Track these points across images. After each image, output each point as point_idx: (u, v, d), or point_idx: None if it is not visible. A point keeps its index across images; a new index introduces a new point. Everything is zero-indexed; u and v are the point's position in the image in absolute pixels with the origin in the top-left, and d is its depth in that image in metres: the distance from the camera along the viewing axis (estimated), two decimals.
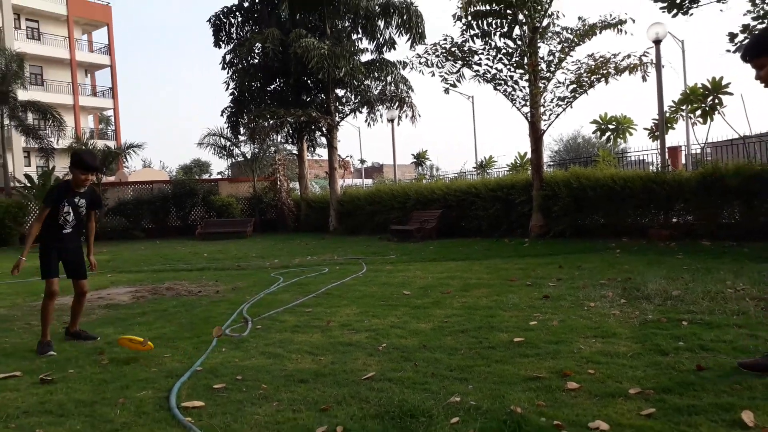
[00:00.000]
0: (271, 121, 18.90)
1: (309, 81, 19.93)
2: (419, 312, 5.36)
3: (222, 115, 21.36)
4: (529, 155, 13.89)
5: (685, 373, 3.22)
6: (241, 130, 21.47)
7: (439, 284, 6.95)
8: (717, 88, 18.42)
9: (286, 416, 2.94)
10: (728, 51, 11.04)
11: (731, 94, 17.80)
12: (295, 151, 22.34)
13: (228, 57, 20.72)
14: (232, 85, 20.75)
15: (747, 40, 2.96)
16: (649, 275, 6.42)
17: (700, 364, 3.32)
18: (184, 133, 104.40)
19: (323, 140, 21.00)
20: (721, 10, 12.37)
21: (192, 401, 3.19)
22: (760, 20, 10.49)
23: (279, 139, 22.22)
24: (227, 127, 21.66)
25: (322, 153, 24.12)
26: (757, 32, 3.03)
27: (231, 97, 20.93)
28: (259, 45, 19.14)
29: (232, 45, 21.00)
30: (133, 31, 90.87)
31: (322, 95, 20.24)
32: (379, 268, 8.99)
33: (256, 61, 20.15)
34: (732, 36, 10.82)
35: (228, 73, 20.80)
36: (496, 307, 5.38)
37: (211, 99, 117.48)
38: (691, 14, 10.90)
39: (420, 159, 50.30)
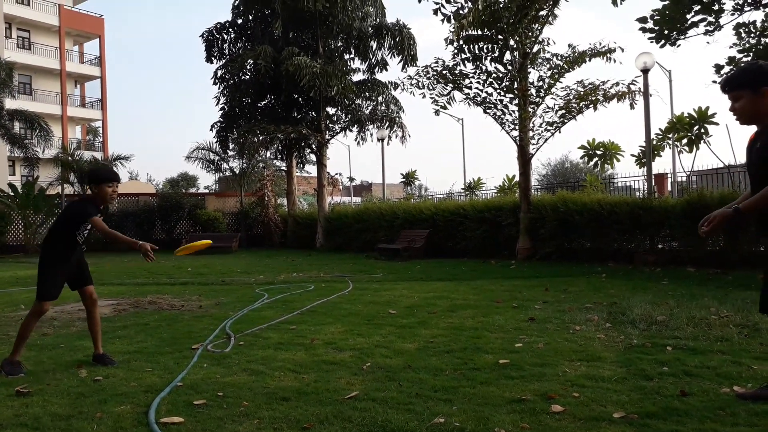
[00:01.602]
0: (261, 137, 18.95)
1: (300, 98, 20.03)
2: (405, 331, 5.33)
3: (211, 129, 21.39)
4: (517, 178, 14.01)
5: (669, 398, 3.21)
6: (230, 145, 21.48)
7: (425, 304, 6.92)
8: (703, 117, 18.74)
9: None
10: (714, 82, 11.24)
11: (717, 124, 18.09)
12: (284, 167, 22.35)
13: (220, 72, 20.80)
14: (222, 100, 20.81)
15: (730, 73, 3.00)
16: (635, 300, 6.44)
17: (684, 389, 3.32)
18: (172, 147, 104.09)
19: (313, 157, 21.07)
20: (707, 42, 12.66)
21: (171, 417, 3.12)
22: (746, 53, 10.71)
23: (268, 155, 22.25)
24: (216, 142, 21.66)
25: (311, 170, 24.25)
26: (743, 64, 3.09)
27: (221, 112, 20.97)
28: (252, 61, 19.23)
29: (224, 60, 21.08)
30: (125, 43, 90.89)
31: (313, 113, 20.33)
32: (365, 286, 8.94)
33: (248, 77, 20.23)
34: (718, 67, 11.03)
35: (219, 88, 20.90)
36: (482, 328, 5.35)
37: (201, 113, 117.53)
38: (679, 45, 11.11)
39: (409, 179, 50.48)
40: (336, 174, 23.88)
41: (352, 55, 20.30)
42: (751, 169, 3.02)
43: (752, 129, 3.07)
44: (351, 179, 35.27)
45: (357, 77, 20.23)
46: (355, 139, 20.64)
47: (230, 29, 21.20)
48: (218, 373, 4.05)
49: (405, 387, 3.60)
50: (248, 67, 19.97)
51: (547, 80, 12.80)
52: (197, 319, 6.31)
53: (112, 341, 5.15)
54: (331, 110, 20.43)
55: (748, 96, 2.93)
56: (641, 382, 3.55)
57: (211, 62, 21.38)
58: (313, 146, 19.88)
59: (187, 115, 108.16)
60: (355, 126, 20.10)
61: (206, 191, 39.16)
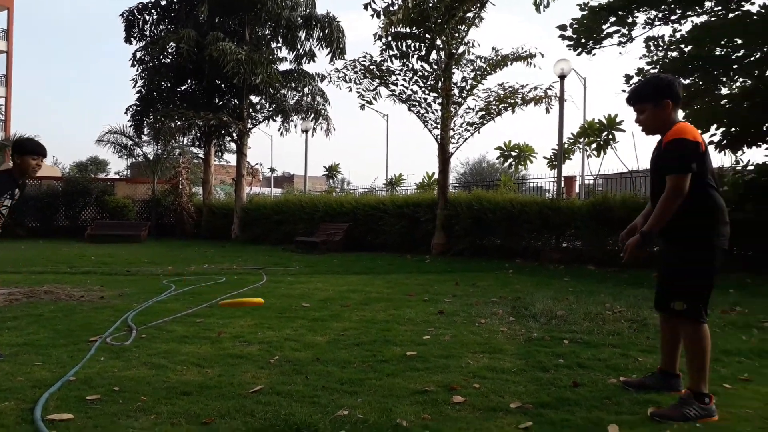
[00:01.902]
0: (179, 123, 18.25)
1: (223, 85, 19.47)
2: (316, 324, 5.31)
3: (126, 113, 20.38)
4: (436, 175, 14.28)
5: (562, 389, 3.38)
6: (146, 130, 20.54)
7: (339, 297, 6.92)
8: (611, 124, 19.85)
9: (164, 430, 2.79)
10: (623, 91, 11.89)
11: (623, 131, 19.22)
12: (201, 155, 21.65)
13: (139, 54, 19.84)
14: (140, 82, 19.89)
15: (635, 86, 3.23)
16: (538, 295, 6.74)
17: (576, 380, 3.51)
18: (83, 130, 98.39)
19: (233, 146, 20.53)
20: (620, 53, 13.37)
21: (60, 413, 2.95)
22: (653, 65, 11.40)
23: (185, 142, 21.47)
24: (130, 126, 20.63)
25: (231, 159, 23.62)
26: (645, 78, 3.37)
27: (138, 95, 20.01)
28: (174, 45, 18.47)
29: (144, 42, 20.11)
30: (36, 16, 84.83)
31: (236, 100, 19.82)
32: (280, 279, 8.83)
33: (169, 60, 19.42)
34: (628, 78, 11.68)
35: (137, 70, 19.93)
36: (392, 321, 5.42)
37: (115, 96, 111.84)
38: (594, 54, 11.66)
39: (332, 172, 50.35)
40: (256, 164, 23.41)
41: (279, 44, 19.94)
42: (650, 171, 3.28)
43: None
44: (272, 170, 34.76)
45: (284, 66, 19.92)
46: (279, 130, 20.35)
47: (153, 10, 20.22)
48: (116, 366, 3.87)
49: (312, 380, 3.59)
50: (170, 51, 19.17)
51: (470, 81, 13.11)
52: (97, 310, 6.00)
53: None
54: (254, 99, 20.00)
55: (650, 108, 3.12)
56: (538, 373, 3.71)
57: (131, 43, 20.34)
58: (234, 134, 19.38)
59: (101, 98, 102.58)
60: (280, 116, 19.78)
61: (117, 177, 37.32)
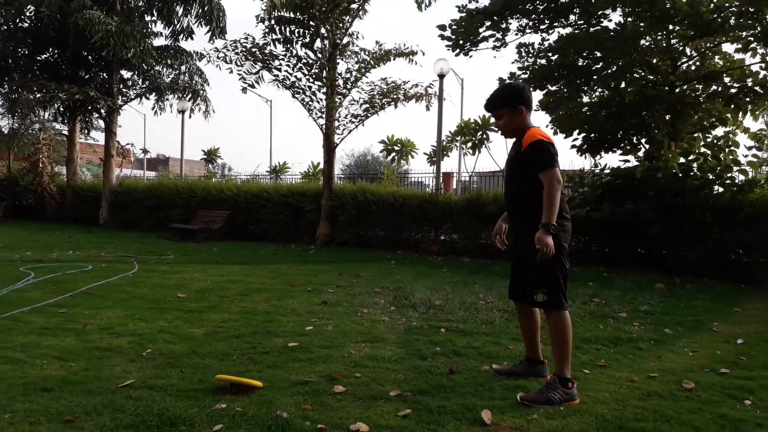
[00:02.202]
0: (39, 95, 16.63)
1: (90, 57, 17.97)
2: (193, 316, 5.11)
3: None
4: (321, 165, 14.22)
5: (439, 377, 3.52)
6: None
7: (218, 288, 6.70)
8: (486, 124, 20.86)
9: (21, 429, 2.58)
10: None
11: (496, 131, 20.21)
12: (65, 132, 19.91)
13: None
14: None
15: (491, 93, 3.54)
16: (417, 286, 6.96)
17: (452, 368, 3.67)
18: None
19: (101, 123, 19.04)
20: (495, 57, 14.10)
21: None
22: (524, 71, 12.12)
23: (46, 116, 19.62)
24: None
25: (99, 137, 21.85)
26: (500, 86, 3.67)
27: None
28: (33, 8, 16.74)
29: None
30: None
31: (105, 74, 18.41)
32: (153, 268, 8.38)
33: (27, 25, 17.59)
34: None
35: None
36: (275, 312, 5.35)
37: None
38: (471, 56, 12.19)
39: (211, 156, 48.43)
40: (127, 144, 21.92)
41: (154, 18, 18.74)
42: (506, 171, 3.60)
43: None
44: (145, 151, 32.77)
45: (158, 42, 18.77)
46: (153, 109, 19.16)
47: None
48: None
49: (188, 373, 3.46)
50: (28, 14, 17.36)
51: (354, 73, 13.17)
52: None
53: None
54: (126, 74, 18.65)
55: (507, 113, 3.39)
56: (417, 361, 3.84)
57: None
58: (103, 111, 17.99)
59: None
60: (154, 94, 18.62)
61: None
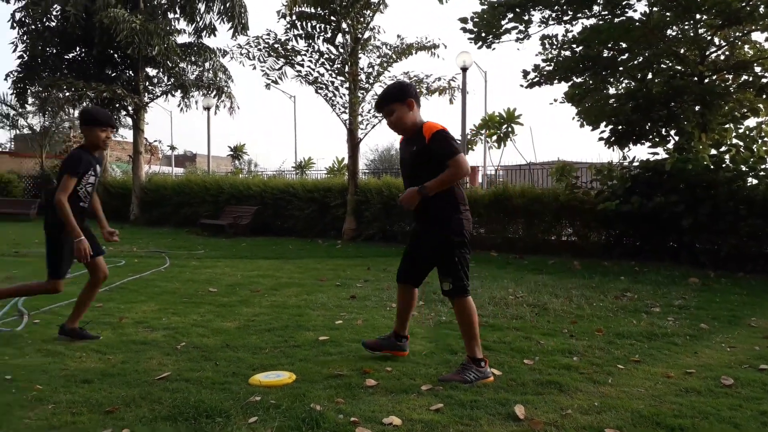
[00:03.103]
0: (68, 93, 16.95)
1: (116, 55, 18.24)
2: (224, 310, 5.18)
3: (6, 79, 18.67)
4: (346, 161, 14.26)
5: None
6: (30, 99, 18.92)
7: (248, 282, 6.78)
8: (511, 118, 20.67)
9: (64, 419, 2.64)
10: (521, 86, 12.43)
11: (522, 124, 20.06)
12: None
13: (18, 15, 18.12)
14: (21, 47, 18.20)
15: (380, 93, 3.65)
16: None
17: None
18: None
19: (129, 121, 19.33)
20: (518, 49, 13.93)
21: None
22: (548, 63, 11.98)
23: (76, 114, 19.99)
24: (12, 94, 18.91)
25: (127, 135, 22.21)
26: (387, 86, 3.75)
27: (19, 60, 18.33)
28: (59, 7, 17.04)
29: (24, 2, 18.39)
30: None
31: (131, 72, 18.67)
32: (184, 263, 8.51)
33: (54, 24, 17.91)
34: (525, 73, 12.21)
35: (18, 33, 18.21)
36: (304, 306, 5.40)
37: None
38: (494, 48, 12.08)
39: (237, 152, 48.82)
40: (155, 141, 22.28)
41: (177, 15, 18.93)
42: (405, 168, 3.67)
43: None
44: (172, 148, 33.12)
45: (182, 39, 18.96)
46: (179, 106, 19.40)
47: None
48: (7, 354, 3.61)
49: (222, 366, 3.51)
50: (55, 13, 17.68)
51: (376, 68, 13.15)
52: None
53: None
54: (151, 71, 18.89)
55: (399, 108, 3.48)
56: (447, 356, 3.84)
57: (8, 2, 18.55)
58: (130, 109, 18.27)
59: None
60: (179, 91, 18.84)
61: None
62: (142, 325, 4.51)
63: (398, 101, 3.45)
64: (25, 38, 18.03)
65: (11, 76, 18.47)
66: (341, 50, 13.01)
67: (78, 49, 18.58)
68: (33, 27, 17.92)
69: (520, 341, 4.23)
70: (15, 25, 18.15)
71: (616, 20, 10.68)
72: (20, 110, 19.87)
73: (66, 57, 18.63)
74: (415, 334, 4.37)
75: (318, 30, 12.89)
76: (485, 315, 5.06)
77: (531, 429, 2.66)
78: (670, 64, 11.32)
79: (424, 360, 3.74)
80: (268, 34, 13.05)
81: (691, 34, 10.74)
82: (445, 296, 3.60)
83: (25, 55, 18.17)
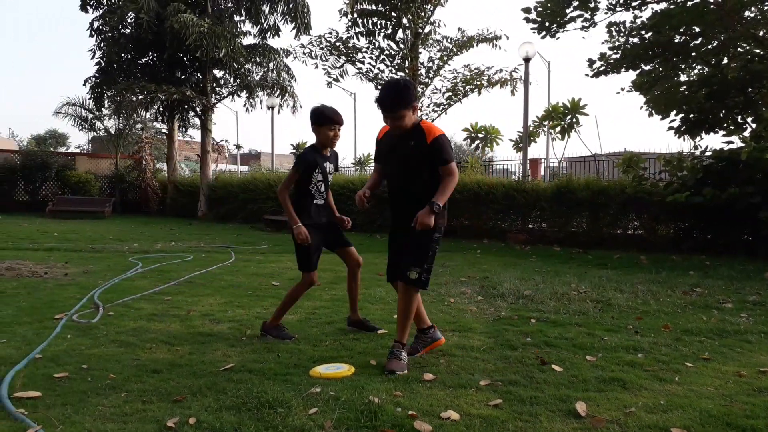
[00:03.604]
0: (141, 96, 17.77)
1: (185, 58, 18.97)
2: None
3: (85, 84, 19.69)
4: None
5: (530, 367, 3.46)
6: (106, 103, 19.94)
7: None
8: (575, 108, 20.11)
9: (135, 407, 2.77)
10: (587, 75, 12.07)
11: (587, 114, 19.45)
12: (164, 130, 21.16)
13: (96, 24, 19.12)
14: (98, 53, 19.22)
15: (390, 96, 3.45)
16: (505, 275, 6.86)
17: (544, 358, 3.60)
18: (41, 101, 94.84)
19: (197, 121, 20.09)
20: (583, 37, 13.57)
21: (27, 391, 2.91)
22: (615, 51, 11.58)
23: (148, 116, 20.95)
24: (90, 98, 19.99)
25: (195, 134, 23.12)
26: (393, 86, 3.54)
27: (97, 66, 19.36)
28: (133, 14, 17.87)
29: (102, 11, 19.39)
30: None
31: (199, 74, 19.36)
32: (249, 257, 8.77)
33: (128, 31, 18.80)
34: (591, 62, 11.86)
35: (96, 40, 19.23)
36: (363, 300, 5.46)
37: (74, 66, 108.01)
38: (558, 38, 11.81)
39: (299, 150, 49.77)
40: (222, 140, 23.05)
41: (242, 18, 19.49)
42: (397, 159, 3.62)
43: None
44: (238, 147, 34.13)
45: (247, 41, 19.50)
46: (244, 106, 19.99)
47: None
48: (83, 344, 3.82)
49: (283, 358, 3.61)
50: (129, 21, 18.55)
51: (436, 62, 13.10)
52: (62, 287, 5.88)
53: None
54: (218, 73, 19.56)
55: (407, 114, 3.44)
56: (506, 351, 3.80)
57: (87, 11, 19.61)
58: (198, 110, 18.96)
59: (61, 68, 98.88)
60: (244, 91, 19.41)
61: (78, 151, 36.22)
62: (208, 318, 4.69)
63: (409, 108, 3.44)
64: (102, 45, 19.02)
65: (89, 81, 19.54)
66: (401, 46, 13.04)
67: (150, 53, 19.43)
68: (110, 34, 18.88)
69: (582, 337, 4.12)
70: (93, 33, 19.18)
71: (689, 3, 10.20)
72: (97, 113, 20.96)
73: (139, 62, 19.52)
74: (473, 330, 4.35)
75: (379, 27, 12.98)
76: (546, 311, 4.97)
77: (593, 426, 2.60)
78: (747, 48, 10.71)
79: (483, 355, 3.71)
80: (330, 33, 13.24)
81: None
82: (403, 282, 3.53)
83: (102, 62, 19.18)
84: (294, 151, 42.25)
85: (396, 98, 3.43)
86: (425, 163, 3.49)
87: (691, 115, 10.94)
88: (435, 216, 3.38)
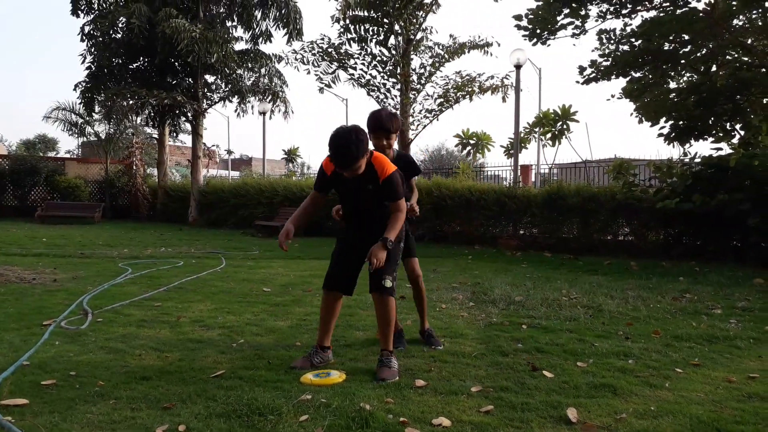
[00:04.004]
0: (131, 101, 17.69)
1: (176, 63, 18.92)
2: (278, 309, 5.29)
3: (75, 89, 19.57)
4: None
5: (521, 373, 3.46)
6: (97, 108, 19.83)
7: (301, 282, 6.90)
8: (566, 114, 20.23)
9: (124, 415, 2.74)
10: (577, 82, 12.15)
11: (577, 121, 19.59)
12: (155, 135, 21.08)
13: (87, 28, 19.03)
14: (89, 58, 19.13)
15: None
16: (496, 281, 6.87)
17: (535, 364, 3.60)
18: (30, 106, 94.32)
19: (188, 126, 20.02)
20: (574, 45, 13.64)
21: (14, 399, 2.87)
22: (605, 58, 11.66)
23: (139, 121, 20.85)
24: (80, 103, 19.87)
25: (186, 140, 22.98)
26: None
27: (87, 71, 19.26)
28: (124, 19, 17.82)
29: (92, 15, 19.31)
30: None
31: (190, 79, 19.31)
32: (239, 263, 8.74)
33: (119, 36, 18.73)
34: (581, 69, 11.93)
35: (86, 45, 19.14)
36: (355, 306, 5.44)
37: (64, 71, 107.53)
38: (549, 45, 11.90)
39: (291, 155, 49.77)
40: (213, 146, 22.99)
41: (234, 23, 19.49)
42: (357, 195, 3.65)
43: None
44: (229, 152, 34.08)
45: (239, 46, 19.49)
46: (235, 111, 19.96)
47: None
48: (72, 351, 3.78)
49: (274, 365, 3.59)
50: (120, 26, 18.48)
51: (428, 68, 13.15)
52: (50, 293, 5.83)
53: None
54: (210, 78, 19.52)
55: (363, 161, 3.44)
56: (498, 357, 3.80)
57: (78, 16, 19.53)
58: (189, 115, 18.90)
59: (50, 72, 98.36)
60: (236, 97, 19.38)
61: (67, 156, 35.99)
62: (198, 324, 4.66)
63: (363, 158, 3.43)
64: (93, 50, 18.93)
65: (80, 86, 19.43)
66: (393, 52, 13.08)
67: (141, 58, 19.36)
68: (100, 39, 18.79)
69: (573, 343, 4.13)
70: (84, 37, 19.08)
71: (679, 12, 10.30)
72: (87, 118, 20.85)
73: (130, 67, 19.45)
74: (465, 336, 4.35)
75: (371, 33, 13.02)
76: (537, 317, 4.98)
77: None
78: (736, 56, 10.82)
79: (474, 361, 3.70)
80: (322, 39, 13.26)
81: (760, 23, 10.24)
82: (378, 292, 3.54)
83: (93, 66, 19.08)
84: (285, 156, 42.18)
85: (349, 154, 3.36)
86: (378, 197, 3.61)
87: (681, 122, 11.03)
88: (386, 248, 3.45)
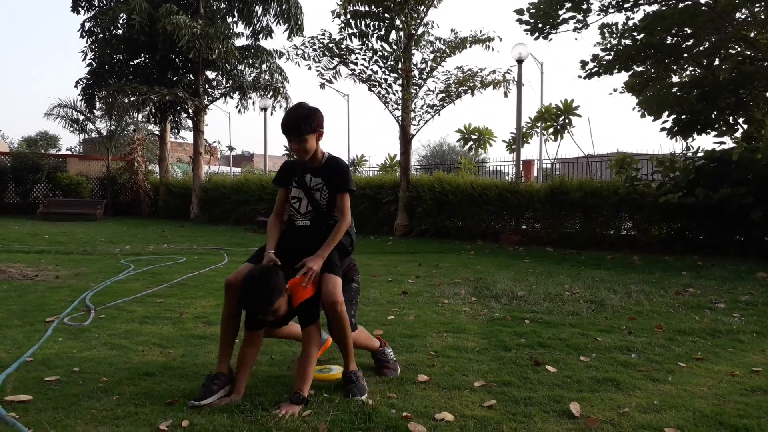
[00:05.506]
0: (132, 98, 17.70)
1: (177, 59, 18.90)
2: None
3: (76, 86, 19.59)
4: (398, 157, 14.29)
5: (524, 368, 3.46)
6: (98, 105, 19.85)
7: None
8: (568, 109, 20.17)
9: (127, 410, 2.75)
10: (579, 76, 12.12)
11: (580, 116, 19.52)
12: (156, 132, 21.08)
13: (87, 25, 19.02)
14: (90, 55, 19.13)
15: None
16: (499, 276, 6.87)
17: (538, 359, 3.60)
18: (31, 103, 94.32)
19: (189, 123, 20.01)
20: (576, 39, 13.59)
21: (18, 395, 2.88)
22: (607, 52, 11.63)
23: (140, 118, 20.88)
24: (81, 100, 19.91)
25: (187, 136, 23.02)
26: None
27: (88, 68, 19.27)
28: (124, 16, 17.79)
29: (93, 12, 19.30)
30: None
31: (191, 76, 19.30)
32: (241, 259, 8.73)
33: (120, 32, 18.72)
34: (583, 63, 11.90)
35: (87, 42, 19.14)
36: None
37: (66, 67, 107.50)
38: (551, 39, 11.83)
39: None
40: (214, 142, 22.98)
41: (235, 19, 19.45)
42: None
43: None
44: (231, 148, 33.97)
45: (240, 42, 19.45)
46: (237, 107, 19.95)
47: None
48: (75, 347, 3.78)
49: (277, 360, 3.59)
50: (121, 22, 18.46)
51: (429, 63, 13.11)
52: (53, 290, 5.83)
53: None
54: (211, 74, 19.51)
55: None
56: (500, 352, 3.79)
57: (78, 13, 19.52)
58: (190, 111, 18.90)
59: (52, 69, 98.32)
60: (237, 93, 19.37)
61: (69, 153, 36.01)
62: (201, 320, 4.66)
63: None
64: (93, 47, 18.92)
65: (81, 83, 19.44)
66: (395, 47, 13.04)
67: (142, 55, 19.35)
68: (101, 35, 18.78)
69: (576, 338, 4.13)
70: (84, 34, 19.07)
71: (681, 5, 10.25)
72: (88, 115, 20.86)
73: (131, 63, 19.44)
74: (467, 331, 4.35)
75: (372, 28, 12.97)
76: (540, 312, 4.97)
77: (587, 427, 2.60)
78: (738, 50, 10.78)
79: (477, 356, 3.70)
80: (323, 34, 13.22)
81: (762, 17, 10.19)
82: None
83: (93, 63, 19.08)
84: (287, 152, 42.14)
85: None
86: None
87: (683, 116, 11.00)
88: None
